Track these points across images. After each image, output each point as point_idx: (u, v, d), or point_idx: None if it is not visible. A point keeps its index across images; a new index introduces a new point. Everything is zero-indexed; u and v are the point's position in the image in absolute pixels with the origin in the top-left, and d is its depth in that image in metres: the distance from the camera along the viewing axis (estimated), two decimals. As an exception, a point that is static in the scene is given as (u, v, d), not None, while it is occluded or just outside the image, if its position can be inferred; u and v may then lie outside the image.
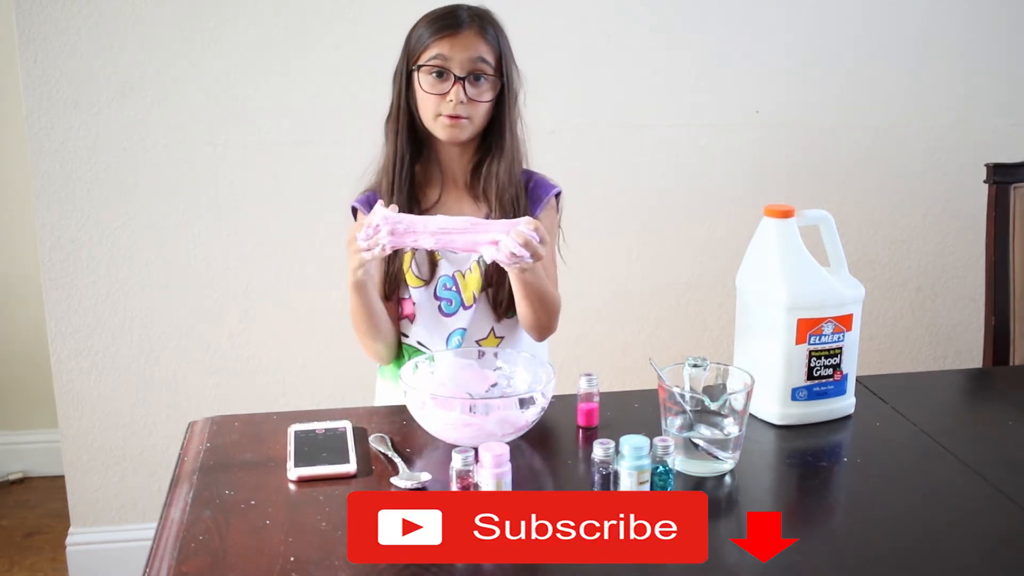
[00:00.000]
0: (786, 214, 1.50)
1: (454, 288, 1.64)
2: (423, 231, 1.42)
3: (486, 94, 1.57)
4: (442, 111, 1.55)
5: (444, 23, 1.55)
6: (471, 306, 1.64)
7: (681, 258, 2.52)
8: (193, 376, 2.41)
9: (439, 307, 1.64)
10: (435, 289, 1.64)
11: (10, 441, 2.94)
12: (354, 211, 1.68)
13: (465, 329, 1.64)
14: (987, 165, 2.08)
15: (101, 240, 2.31)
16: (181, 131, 2.29)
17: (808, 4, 2.44)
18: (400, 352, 1.68)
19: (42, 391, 2.61)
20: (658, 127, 2.45)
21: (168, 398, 2.41)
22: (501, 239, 1.41)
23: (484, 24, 1.57)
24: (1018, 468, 1.39)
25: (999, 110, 2.56)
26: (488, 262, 1.48)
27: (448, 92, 1.54)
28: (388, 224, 1.41)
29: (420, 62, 1.56)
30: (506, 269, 1.48)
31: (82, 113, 2.24)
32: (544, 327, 1.61)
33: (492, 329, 1.66)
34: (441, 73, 1.55)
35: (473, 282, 1.63)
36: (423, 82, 1.56)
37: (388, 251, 1.43)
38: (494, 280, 1.62)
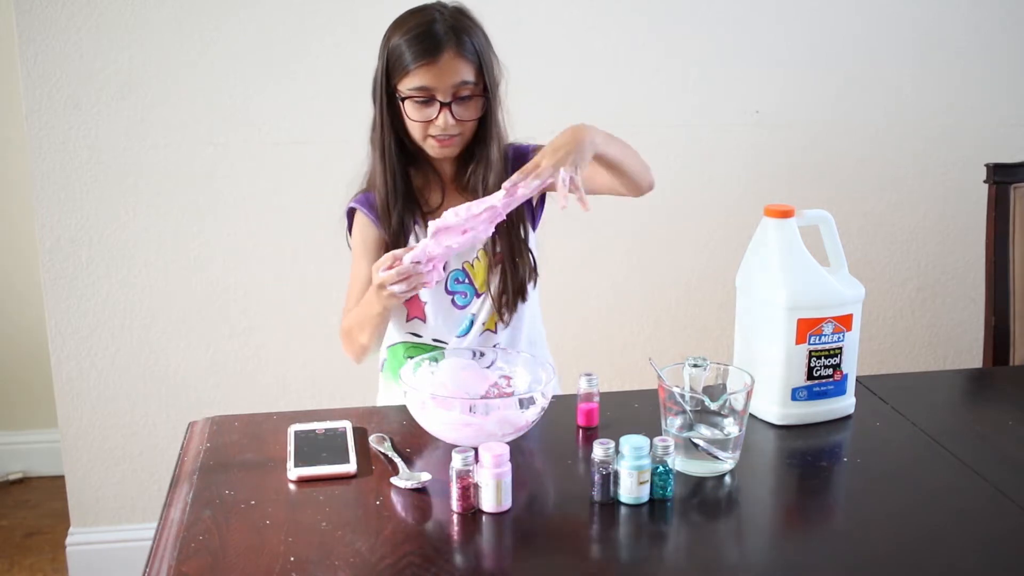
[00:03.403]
0: (786, 214, 1.50)
1: (466, 280, 1.65)
2: (435, 246, 1.43)
3: (472, 110, 1.57)
4: (431, 133, 1.56)
5: (422, 48, 1.51)
6: (484, 293, 1.65)
7: (681, 258, 2.52)
8: (193, 376, 2.41)
9: (452, 300, 1.65)
10: (446, 284, 1.65)
11: (10, 441, 2.94)
12: (351, 213, 1.67)
13: (475, 315, 1.65)
14: (987, 165, 2.08)
15: (101, 240, 2.31)
16: (181, 131, 2.29)
17: (808, 4, 2.44)
18: (411, 353, 1.68)
19: (42, 391, 2.61)
20: (657, 127, 2.44)
21: (168, 398, 2.41)
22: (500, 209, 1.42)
23: (461, 38, 1.53)
24: (1018, 468, 1.39)
25: (999, 110, 2.56)
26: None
27: (436, 118, 1.54)
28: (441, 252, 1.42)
29: (402, 90, 1.54)
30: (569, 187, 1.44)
31: (82, 113, 2.24)
32: (640, 176, 1.61)
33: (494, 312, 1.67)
34: (426, 99, 1.54)
35: (481, 268, 1.64)
36: (408, 110, 1.55)
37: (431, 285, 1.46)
38: (496, 269, 1.64)
